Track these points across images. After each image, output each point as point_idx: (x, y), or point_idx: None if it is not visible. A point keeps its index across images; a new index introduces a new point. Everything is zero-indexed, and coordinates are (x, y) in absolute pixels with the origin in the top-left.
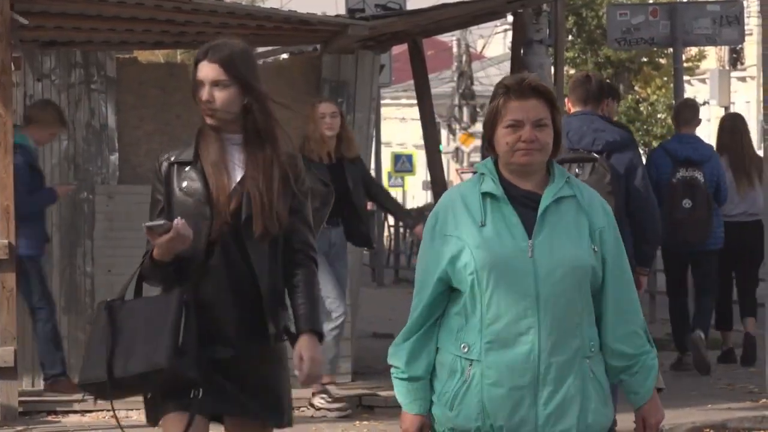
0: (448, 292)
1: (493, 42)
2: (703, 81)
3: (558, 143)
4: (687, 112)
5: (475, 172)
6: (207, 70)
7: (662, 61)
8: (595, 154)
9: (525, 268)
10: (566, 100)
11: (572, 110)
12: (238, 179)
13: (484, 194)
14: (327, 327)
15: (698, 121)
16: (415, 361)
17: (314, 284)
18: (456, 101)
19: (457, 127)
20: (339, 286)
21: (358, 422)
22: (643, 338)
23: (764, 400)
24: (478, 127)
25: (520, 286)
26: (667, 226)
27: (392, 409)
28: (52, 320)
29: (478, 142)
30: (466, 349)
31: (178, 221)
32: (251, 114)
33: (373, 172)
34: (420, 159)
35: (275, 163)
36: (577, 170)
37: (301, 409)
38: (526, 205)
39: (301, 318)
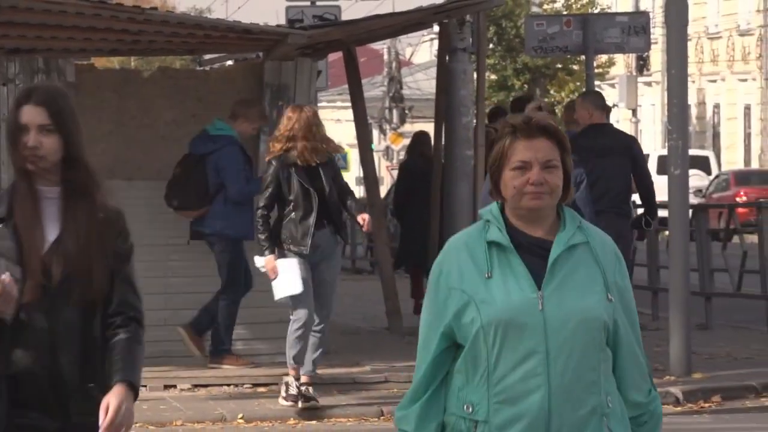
0: (453, 349)
1: (421, 50)
2: (612, 85)
3: (568, 186)
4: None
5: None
6: (33, 114)
7: (575, 67)
8: None
9: (534, 321)
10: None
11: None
12: (54, 237)
13: (490, 243)
14: (292, 327)
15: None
16: (425, 425)
17: (135, 344)
18: (386, 104)
19: (388, 127)
20: (321, 294)
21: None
22: (649, 383)
23: (668, 377)
24: (407, 127)
25: (530, 341)
26: None
27: (328, 385)
28: (237, 301)
29: (406, 141)
30: (470, 410)
31: (5, 277)
32: (71, 165)
33: None
34: (354, 157)
35: (95, 220)
36: None
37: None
38: (535, 253)
39: (115, 372)
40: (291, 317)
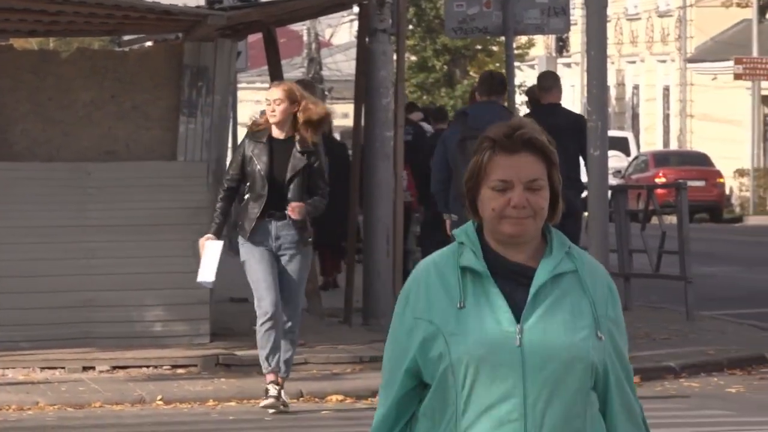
0: (420, 388)
1: (340, 31)
2: (532, 67)
3: (556, 205)
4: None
5: None
6: None
7: (495, 48)
8: None
9: (511, 359)
10: (475, 93)
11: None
12: None
13: (464, 269)
14: (258, 322)
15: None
16: None
17: None
18: None
19: None
20: (287, 287)
21: (215, 379)
22: (643, 429)
23: None
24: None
25: (505, 382)
26: None
27: (247, 367)
28: None
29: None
30: None
31: None
32: None
33: (230, 151)
34: None
35: None
36: None
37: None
38: (515, 281)
39: None
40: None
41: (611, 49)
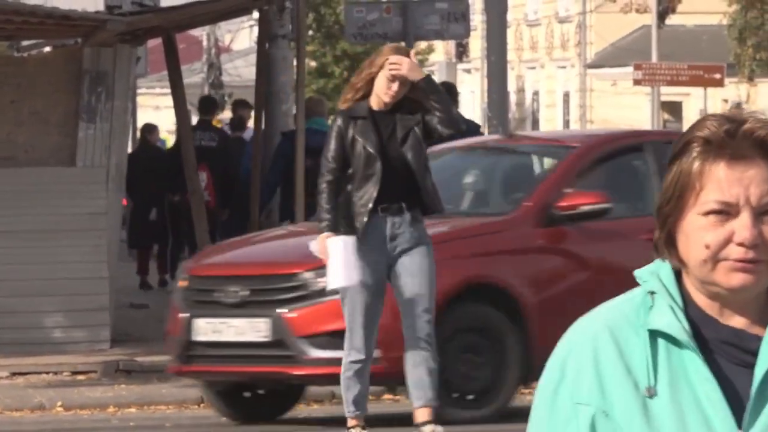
0: None
1: (240, 36)
2: (432, 72)
3: None
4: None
5: None
6: None
7: None
8: None
9: None
10: None
11: None
12: None
13: (655, 334)
14: (347, 359)
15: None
16: None
17: None
18: (206, 90)
19: None
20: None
21: (116, 385)
22: None
23: None
24: (227, 114)
25: None
26: None
27: (147, 373)
28: None
29: (225, 129)
30: None
31: None
32: None
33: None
34: (172, 144)
35: None
36: None
37: None
38: (734, 358)
39: None
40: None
41: (511, 55)
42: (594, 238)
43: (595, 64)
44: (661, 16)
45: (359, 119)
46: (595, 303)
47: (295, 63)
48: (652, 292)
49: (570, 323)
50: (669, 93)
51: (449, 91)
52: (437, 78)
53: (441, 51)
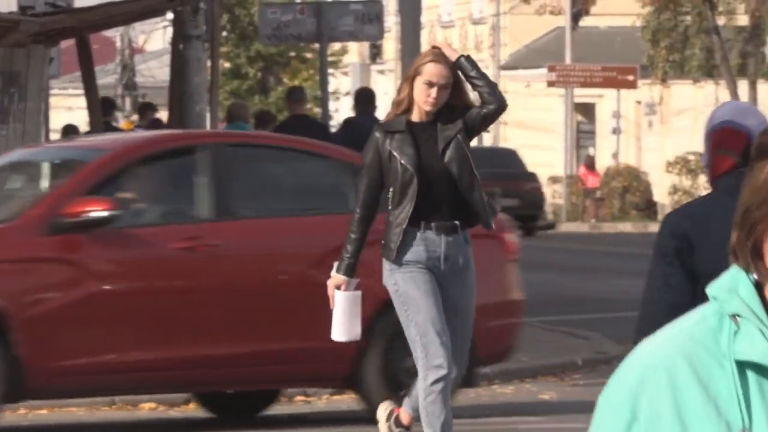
0: None
1: (154, 37)
2: (345, 73)
3: None
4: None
5: None
6: None
7: (309, 55)
8: None
9: None
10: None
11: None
12: None
13: (743, 365)
14: (428, 380)
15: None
16: None
17: None
18: (119, 91)
19: (120, 115)
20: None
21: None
22: None
23: None
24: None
25: None
26: None
27: None
28: None
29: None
30: None
31: None
32: None
33: None
34: None
35: None
36: None
37: None
38: None
39: None
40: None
41: None
42: (112, 246)
43: (509, 66)
44: (575, 17)
45: (396, 133)
46: (99, 315)
47: (209, 64)
48: (737, 315)
49: (70, 336)
50: (583, 95)
51: (367, 97)
52: (350, 80)
53: (355, 52)
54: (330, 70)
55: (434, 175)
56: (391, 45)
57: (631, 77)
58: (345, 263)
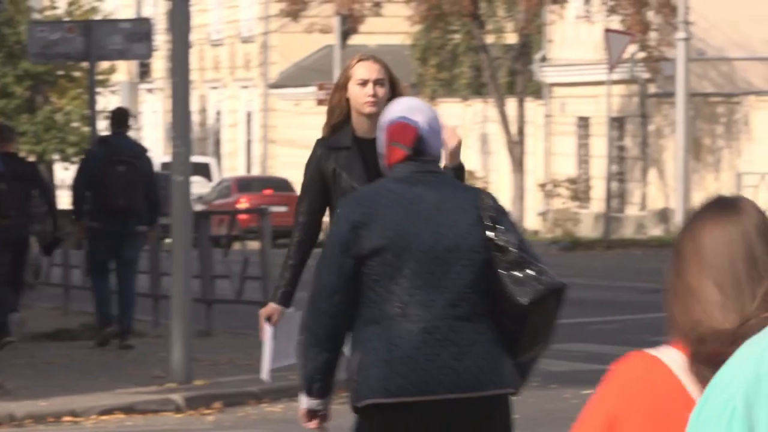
0: None
1: None
2: (114, 92)
3: None
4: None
5: None
6: None
7: (77, 74)
8: None
9: None
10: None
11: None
12: None
13: None
14: None
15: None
16: None
17: None
18: None
19: None
20: None
21: None
22: None
23: (169, 384)
24: None
25: None
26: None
27: None
28: None
29: None
30: None
31: None
32: None
33: None
34: None
35: None
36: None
37: None
38: None
39: None
40: None
41: (194, 75)
42: None
43: (279, 84)
44: (344, 36)
45: (342, 149)
46: None
47: None
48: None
49: None
50: None
51: (121, 116)
52: (119, 98)
53: (124, 71)
54: (98, 89)
55: None
56: (160, 64)
57: None
58: (281, 291)
